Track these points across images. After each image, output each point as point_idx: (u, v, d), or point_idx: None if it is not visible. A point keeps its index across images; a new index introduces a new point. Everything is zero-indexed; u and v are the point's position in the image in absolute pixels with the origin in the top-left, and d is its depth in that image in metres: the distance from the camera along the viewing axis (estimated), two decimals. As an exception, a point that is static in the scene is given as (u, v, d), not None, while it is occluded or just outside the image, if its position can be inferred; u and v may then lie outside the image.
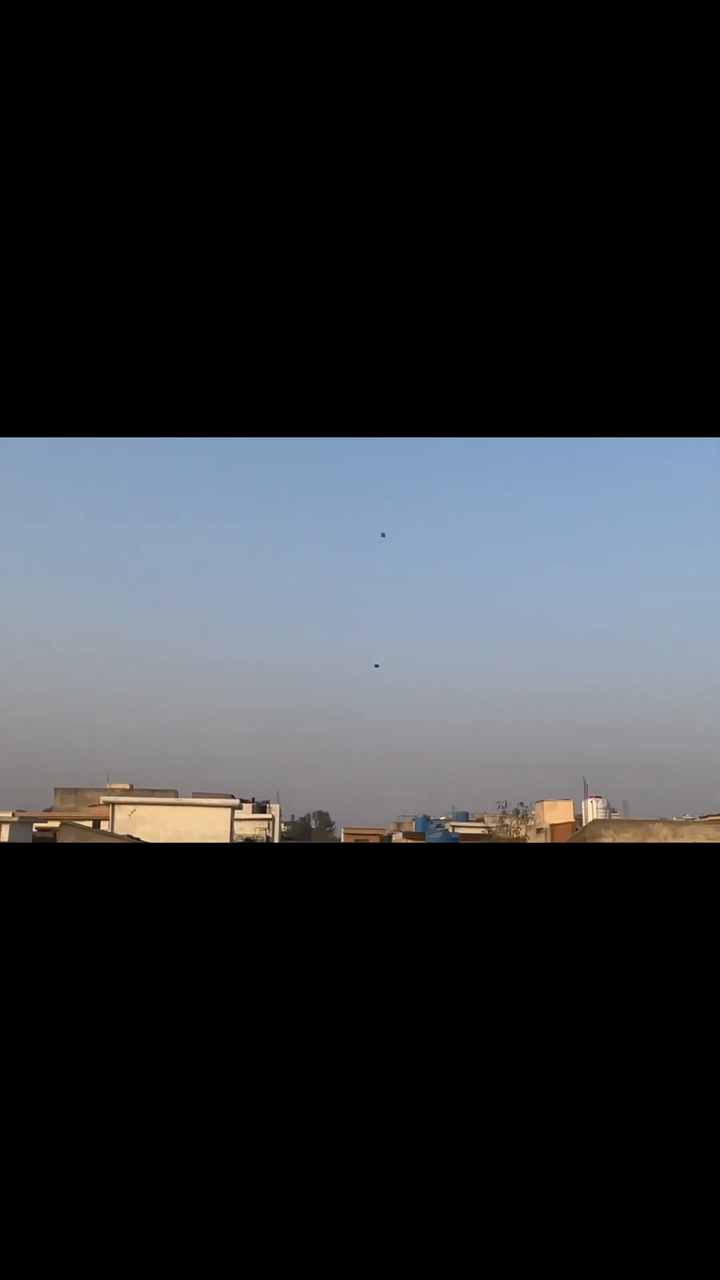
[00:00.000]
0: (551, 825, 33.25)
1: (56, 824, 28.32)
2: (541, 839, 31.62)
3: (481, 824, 38.01)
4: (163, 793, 31.41)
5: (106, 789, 34.53)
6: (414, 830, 35.73)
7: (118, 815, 27.27)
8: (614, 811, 32.62)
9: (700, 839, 18.36)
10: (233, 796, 29.82)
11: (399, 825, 40.80)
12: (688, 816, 30.45)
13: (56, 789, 39.88)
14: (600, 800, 32.08)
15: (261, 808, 41.58)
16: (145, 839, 23.09)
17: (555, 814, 35.17)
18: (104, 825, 27.34)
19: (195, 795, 30.17)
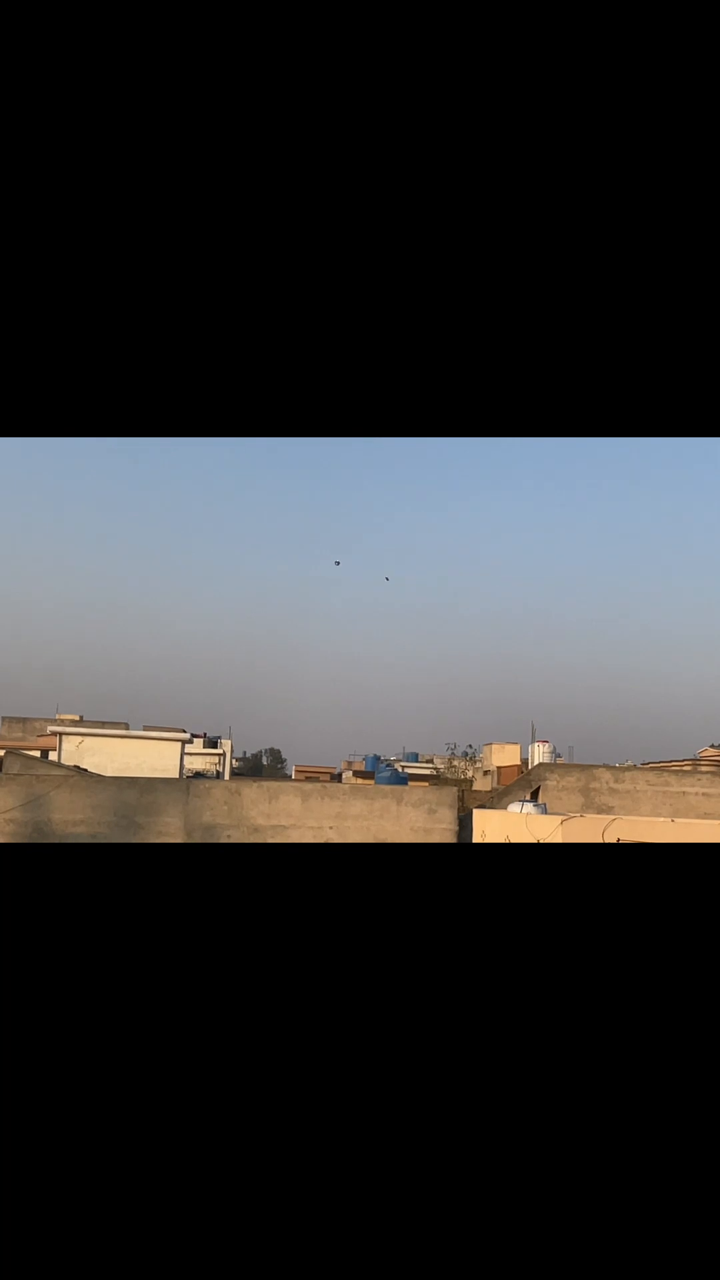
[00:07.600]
0: (499, 767, 33.93)
1: (2, 753, 28.04)
2: (488, 781, 32.25)
3: (431, 765, 38.64)
4: (113, 725, 31.25)
5: (55, 719, 34.29)
6: (364, 770, 36.21)
7: (65, 746, 27.08)
8: (559, 756, 33.36)
9: (641, 785, 18.89)
10: (183, 731, 29.76)
11: (350, 764, 41.34)
12: (630, 762, 31.32)
13: (4, 718, 39.52)
14: (547, 745, 32.72)
15: (213, 743, 41.72)
16: (93, 770, 23.00)
17: (502, 757, 35.88)
18: (51, 755, 27.16)
19: (146, 728, 30.06)
